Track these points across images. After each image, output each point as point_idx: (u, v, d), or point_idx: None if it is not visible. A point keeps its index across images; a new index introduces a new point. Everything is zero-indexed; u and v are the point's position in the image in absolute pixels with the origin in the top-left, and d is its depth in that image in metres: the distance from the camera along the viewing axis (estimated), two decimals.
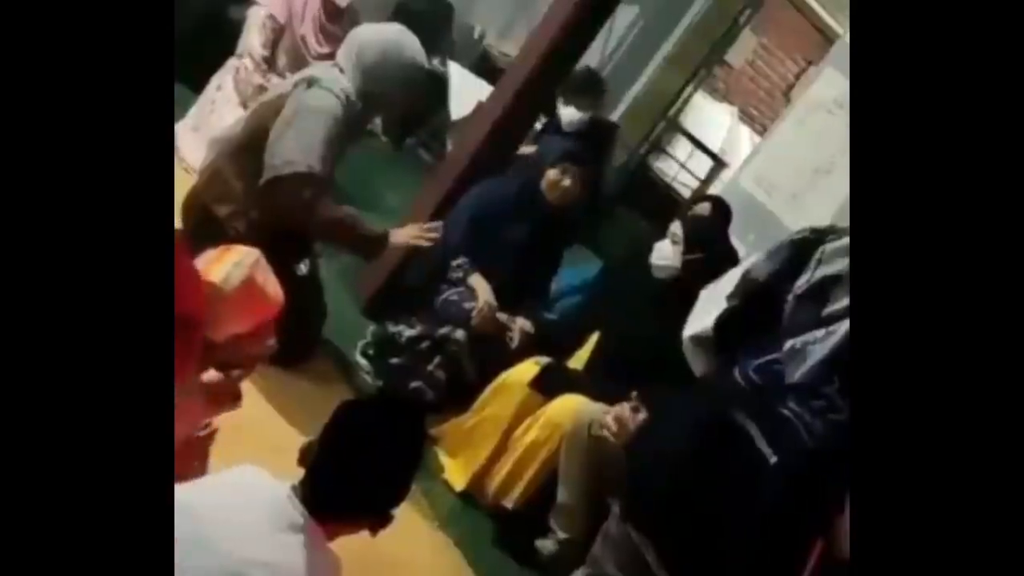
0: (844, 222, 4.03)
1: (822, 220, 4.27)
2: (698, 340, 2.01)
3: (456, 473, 3.33)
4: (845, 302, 1.76)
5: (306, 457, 1.70)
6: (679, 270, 3.19)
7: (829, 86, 4.50)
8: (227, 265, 1.85)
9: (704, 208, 4.04)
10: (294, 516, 1.65)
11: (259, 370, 2.64)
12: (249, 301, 1.87)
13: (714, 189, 6.98)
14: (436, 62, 5.11)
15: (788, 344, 1.78)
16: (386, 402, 1.89)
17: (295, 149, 2.92)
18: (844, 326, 1.72)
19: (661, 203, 6.23)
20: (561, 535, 3.10)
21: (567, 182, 3.61)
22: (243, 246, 1.94)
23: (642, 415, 2.73)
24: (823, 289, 1.80)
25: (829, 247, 1.84)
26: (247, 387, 2.42)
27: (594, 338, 3.43)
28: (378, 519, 1.71)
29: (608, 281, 3.79)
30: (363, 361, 3.65)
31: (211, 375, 1.95)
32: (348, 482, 1.68)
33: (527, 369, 3.34)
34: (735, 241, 3.46)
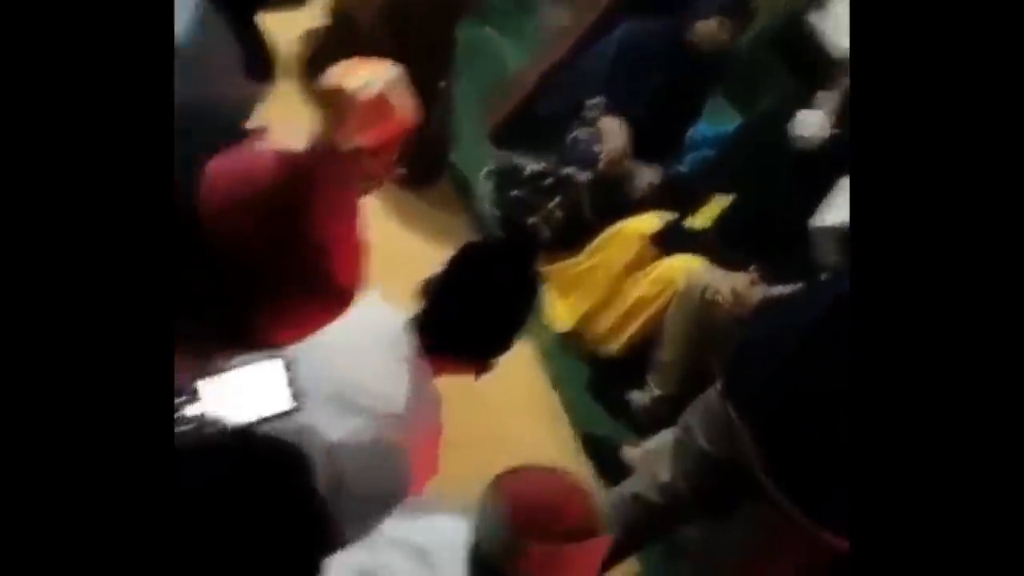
0: None
1: None
2: (831, 231, 1.93)
3: (561, 314, 3.36)
4: None
5: (425, 292, 1.72)
6: (825, 143, 3.03)
7: None
8: (366, 75, 1.80)
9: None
10: (405, 349, 1.68)
11: (385, 189, 2.66)
12: (379, 117, 1.83)
13: None
14: None
15: None
16: (509, 248, 1.87)
17: None
18: None
19: (812, 62, 5.89)
20: (656, 391, 3.12)
21: (724, 35, 3.44)
22: (388, 61, 1.89)
23: (759, 290, 2.69)
24: None
25: None
26: (373, 203, 2.45)
27: (721, 200, 3.34)
28: (483, 363, 1.74)
29: (744, 140, 3.65)
30: (485, 188, 3.64)
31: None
32: (462, 323, 1.70)
33: (647, 221, 3.29)
34: None
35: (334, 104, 1.71)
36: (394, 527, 1.49)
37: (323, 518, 1.03)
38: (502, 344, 1.74)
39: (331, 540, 1.41)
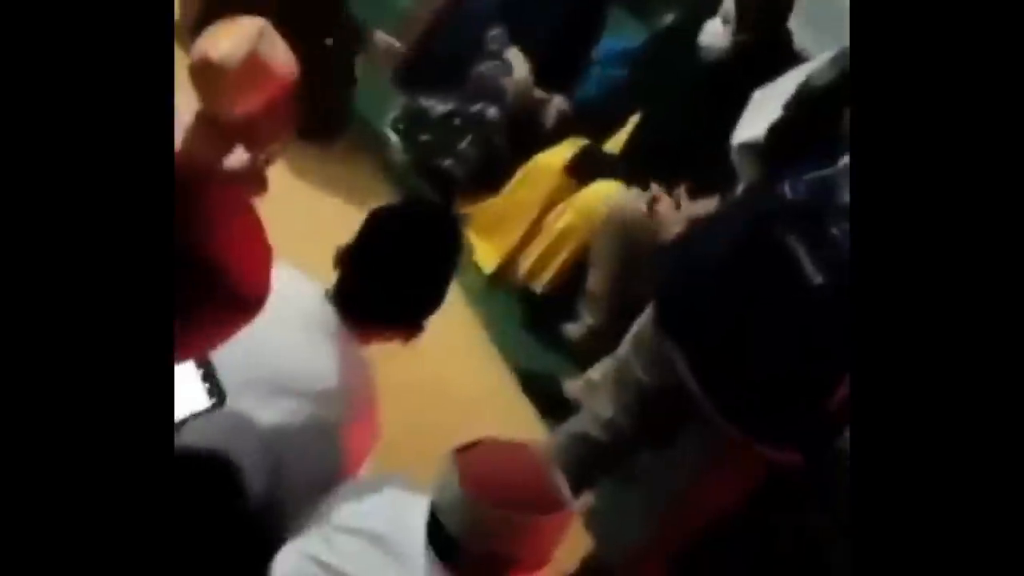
0: None
1: None
2: (749, 147, 1.91)
3: (486, 255, 3.32)
4: None
5: (341, 262, 1.66)
6: (728, 52, 3.00)
7: None
8: (228, 41, 1.70)
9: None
10: (328, 321, 1.63)
11: (290, 147, 2.57)
12: (255, 77, 1.73)
13: None
14: None
15: (844, 160, 1.68)
16: (422, 206, 1.82)
17: None
18: None
19: None
20: (589, 321, 3.11)
21: None
22: (248, 17, 1.79)
23: (684, 209, 2.69)
24: None
25: None
26: (279, 166, 2.36)
27: (634, 120, 3.31)
28: (410, 328, 1.70)
29: (653, 56, 3.60)
30: (393, 135, 3.56)
31: (236, 158, 1.86)
32: (383, 290, 1.65)
33: (562, 151, 3.25)
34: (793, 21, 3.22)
35: (206, 78, 1.63)
36: (347, 513, 1.45)
37: (258, 526, 0.99)
38: (429, 305, 1.70)
39: (272, 542, 1.38)
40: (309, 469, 1.55)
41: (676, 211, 2.75)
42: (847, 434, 2.40)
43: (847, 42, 1.79)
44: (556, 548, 1.35)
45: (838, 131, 1.73)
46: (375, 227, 1.67)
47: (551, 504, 1.31)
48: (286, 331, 1.58)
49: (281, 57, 1.77)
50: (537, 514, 1.29)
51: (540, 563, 1.34)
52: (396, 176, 3.42)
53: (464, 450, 1.34)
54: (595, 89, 3.71)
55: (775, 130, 1.84)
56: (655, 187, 2.88)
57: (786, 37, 3.04)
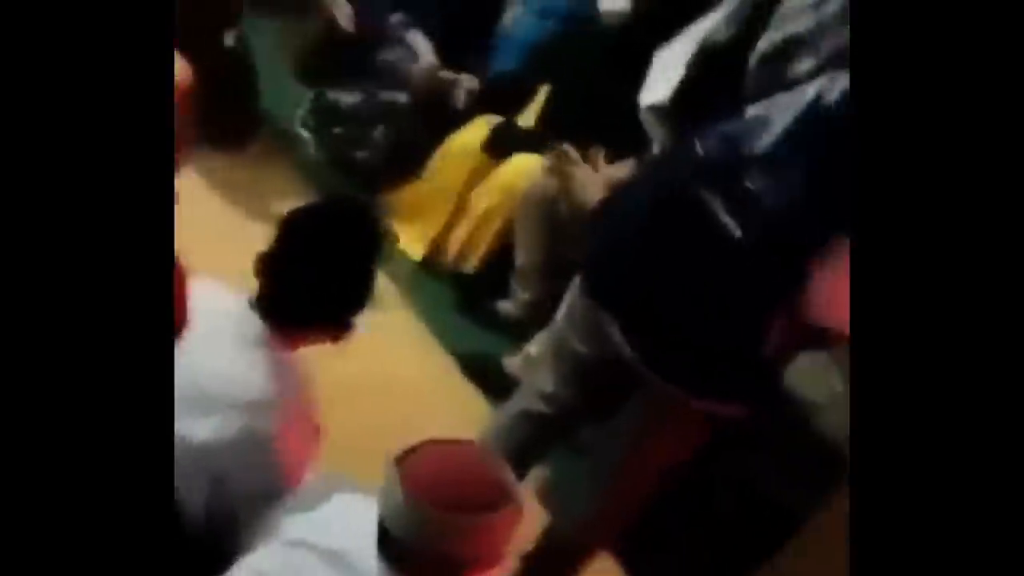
0: None
1: None
2: (657, 109, 1.91)
3: (412, 242, 3.30)
4: (809, 64, 1.66)
5: (261, 269, 1.63)
6: (629, 15, 3.01)
7: None
8: None
9: None
10: (254, 330, 1.61)
11: (201, 157, 2.52)
12: None
13: None
14: None
15: (751, 112, 1.69)
16: (337, 204, 1.80)
17: None
18: (808, 91, 1.64)
19: None
20: (523, 296, 3.11)
21: None
22: None
23: (603, 174, 2.70)
24: (787, 51, 1.69)
25: (790, 3, 1.71)
26: (191, 177, 2.32)
27: (544, 92, 3.31)
28: (339, 327, 1.68)
29: (554, 26, 3.59)
30: (304, 133, 3.51)
31: None
32: (305, 292, 1.62)
33: (477, 130, 3.24)
34: None
35: None
36: (297, 526, 1.43)
37: (203, 547, 0.98)
38: (356, 302, 1.68)
39: (222, 560, 1.36)
40: (250, 482, 1.53)
41: (595, 177, 2.75)
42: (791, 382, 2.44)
43: None
44: (509, 544, 1.33)
45: (742, 84, 1.74)
46: (292, 229, 1.64)
47: (499, 501, 1.29)
48: (212, 346, 1.56)
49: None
50: (485, 513, 1.27)
51: (495, 561, 1.31)
52: (312, 174, 3.37)
53: (406, 454, 1.32)
54: (505, 65, 3.70)
55: (680, 89, 1.84)
56: (566, 148, 2.87)
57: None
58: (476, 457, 1.37)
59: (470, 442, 1.43)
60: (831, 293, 1.68)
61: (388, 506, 1.30)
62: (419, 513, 1.26)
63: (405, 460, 1.30)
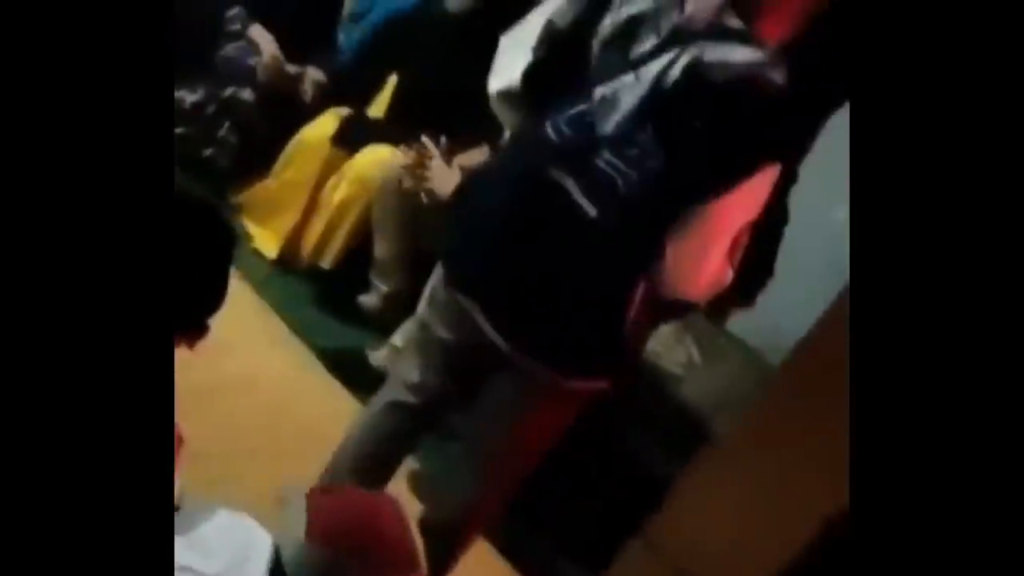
0: None
1: None
2: (505, 95, 1.92)
3: (266, 240, 3.24)
4: (651, 43, 1.70)
5: None
6: (475, 2, 3.02)
7: None
8: None
9: None
10: None
11: None
12: None
13: None
14: None
15: (598, 93, 1.72)
16: (185, 206, 1.73)
17: None
18: (652, 70, 1.67)
19: None
20: (383, 288, 3.10)
21: None
22: None
23: (454, 165, 2.70)
24: (629, 31, 1.72)
25: None
26: None
27: (392, 81, 3.29)
28: (193, 332, 1.62)
29: (397, 16, 3.57)
30: None
31: None
32: None
33: (326, 123, 3.20)
34: None
35: None
36: (181, 552, 1.36)
37: None
38: (210, 304, 1.63)
39: None
40: None
41: (447, 165, 2.75)
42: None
43: None
44: None
45: (588, 66, 1.77)
46: None
47: (403, 564, 1.26)
48: None
49: None
50: (387, 572, 1.25)
51: None
52: None
53: (320, 493, 1.27)
54: (349, 57, 3.65)
55: (528, 75, 1.85)
56: (424, 141, 2.86)
57: None
58: (390, 515, 1.33)
59: (390, 498, 1.39)
60: (685, 265, 1.73)
61: (287, 538, 1.25)
62: (318, 554, 1.22)
63: (317, 498, 1.26)
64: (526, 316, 1.85)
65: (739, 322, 2.80)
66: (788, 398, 2.11)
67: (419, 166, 2.80)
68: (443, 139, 2.85)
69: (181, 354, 1.71)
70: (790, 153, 1.74)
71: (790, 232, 1.89)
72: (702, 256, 1.71)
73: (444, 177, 2.70)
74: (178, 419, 1.67)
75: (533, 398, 1.96)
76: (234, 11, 3.32)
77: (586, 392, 1.93)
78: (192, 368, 1.83)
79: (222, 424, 2.45)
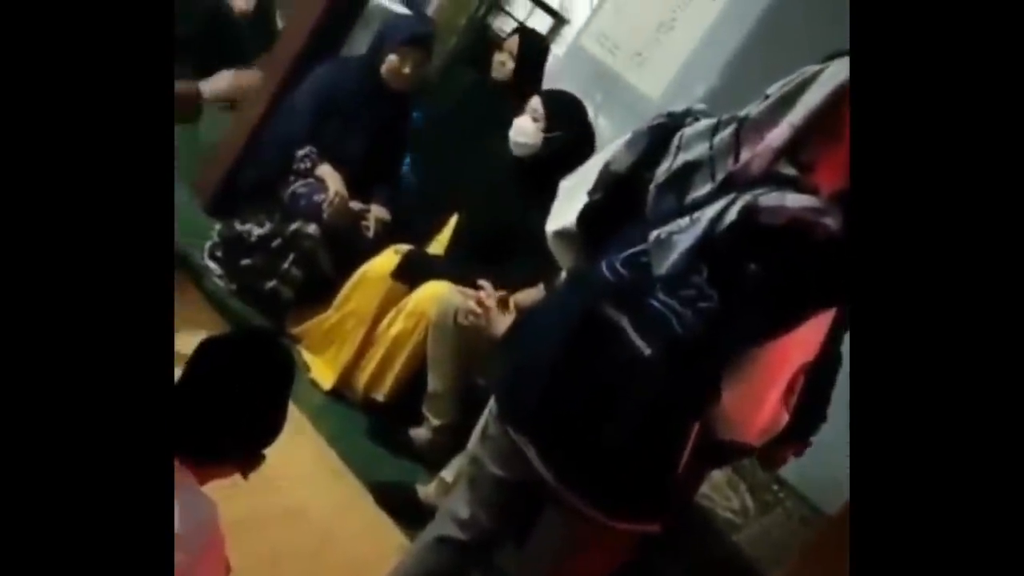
0: (687, 81, 4.01)
1: (666, 79, 4.27)
2: (563, 235, 1.97)
3: (323, 371, 3.28)
4: (706, 188, 1.74)
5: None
6: (539, 148, 3.12)
7: None
8: None
9: (529, 45, 3.92)
10: None
11: None
12: None
13: (556, 48, 6.86)
14: None
15: (653, 235, 1.75)
16: (250, 336, 1.79)
17: None
18: (707, 213, 1.70)
19: None
20: (435, 422, 3.11)
21: (408, 68, 3.45)
22: None
23: (509, 304, 2.74)
24: (684, 176, 1.77)
25: (687, 132, 1.79)
26: None
27: (454, 220, 3.38)
28: (250, 461, 1.65)
29: (462, 156, 3.70)
30: (212, 264, 3.49)
31: None
32: (215, 425, 1.60)
33: (387, 259, 3.27)
34: (583, 98, 3.40)
35: None
36: None
37: None
38: (267, 434, 1.66)
39: None
40: None
41: (504, 304, 2.80)
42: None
43: (638, 127, 1.90)
44: None
45: (643, 208, 1.81)
46: (203, 360, 1.63)
47: None
48: None
49: None
50: None
51: None
52: (219, 305, 3.35)
53: None
54: (412, 197, 3.78)
55: (584, 216, 1.90)
56: (483, 285, 2.92)
57: (589, 130, 3.21)
58: None
59: None
60: (740, 408, 1.72)
61: None
62: None
63: None
64: (578, 454, 1.85)
65: (793, 470, 2.75)
66: (843, 549, 2.05)
67: (477, 306, 2.85)
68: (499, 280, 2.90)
69: (233, 483, 1.74)
70: (844, 298, 1.74)
71: (842, 378, 1.88)
72: (757, 399, 1.70)
73: (500, 315, 2.73)
74: (227, 548, 1.69)
75: (582, 538, 1.93)
76: (305, 150, 3.46)
77: (636, 534, 1.90)
78: (243, 497, 1.86)
79: (270, 555, 2.44)
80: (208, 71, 4.13)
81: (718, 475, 2.77)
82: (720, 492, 2.85)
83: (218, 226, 3.58)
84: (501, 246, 3.12)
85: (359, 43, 3.91)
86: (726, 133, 1.73)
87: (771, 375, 1.69)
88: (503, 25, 7.27)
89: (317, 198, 3.39)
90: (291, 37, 3.82)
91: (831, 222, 1.65)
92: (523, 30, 4.15)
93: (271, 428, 1.66)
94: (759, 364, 1.69)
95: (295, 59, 3.66)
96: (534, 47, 3.94)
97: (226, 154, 3.75)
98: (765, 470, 2.78)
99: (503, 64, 3.81)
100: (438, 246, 3.38)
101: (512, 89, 3.64)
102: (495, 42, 5.82)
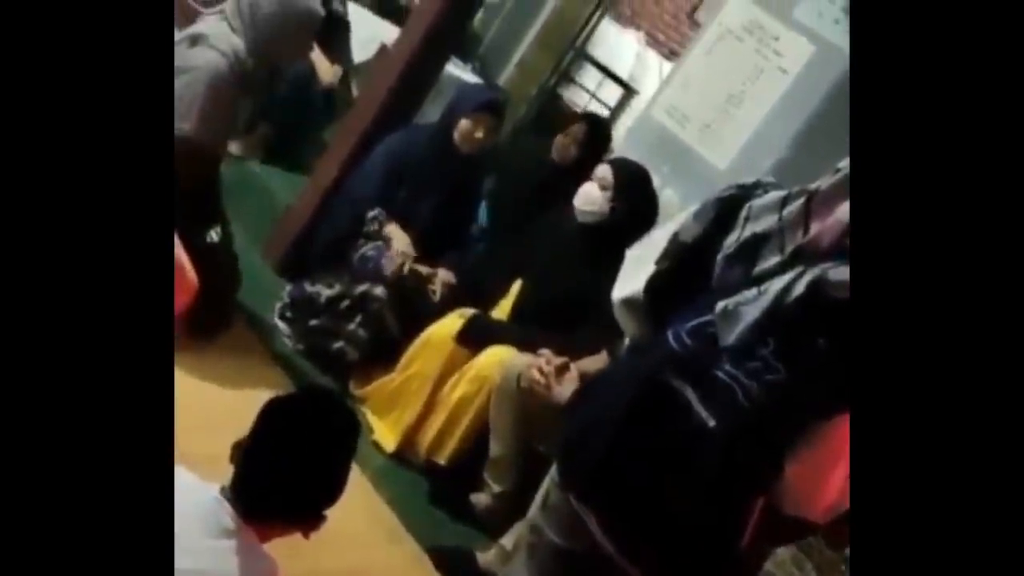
0: (755, 153, 4.03)
1: (734, 150, 4.28)
2: (629, 303, 1.97)
3: (386, 434, 3.29)
4: (774, 260, 1.74)
5: (237, 457, 1.63)
6: (606, 216, 3.15)
7: (736, 12, 4.45)
8: None
9: (594, 135, 3.97)
10: (224, 521, 1.59)
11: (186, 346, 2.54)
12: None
13: (625, 118, 6.93)
14: (336, 3, 4.89)
15: (720, 305, 1.75)
16: (315, 397, 1.81)
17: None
18: (775, 285, 1.70)
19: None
20: (496, 488, 3.09)
21: (480, 134, 3.52)
22: None
23: (572, 370, 2.74)
24: (753, 247, 1.77)
25: (756, 204, 1.80)
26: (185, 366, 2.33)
27: (518, 286, 3.39)
28: (312, 521, 1.66)
29: (528, 223, 3.73)
30: (282, 324, 3.55)
31: None
32: (278, 484, 1.62)
33: (452, 322, 3.29)
34: (650, 169, 3.42)
35: None
36: None
37: None
38: (329, 495, 1.67)
39: None
40: None
41: (565, 370, 2.79)
42: None
43: (707, 197, 1.91)
44: None
45: (710, 279, 1.81)
46: (269, 419, 1.65)
47: None
48: (182, 536, 1.53)
49: (188, 268, 1.81)
50: None
51: None
52: (286, 363, 3.39)
53: None
54: (479, 256, 3.81)
55: (651, 285, 1.91)
56: (545, 352, 2.92)
57: (654, 200, 3.23)
58: None
59: None
60: (805, 484, 1.69)
61: None
62: None
63: None
64: (640, 526, 1.83)
65: None
66: None
67: (538, 374, 2.85)
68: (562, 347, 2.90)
69: (293, 540, 1.75)
70: None
71: None
72: (823, 475, 1.68)
73: (562, 382, 2.73)
74: None
75: None
76: (374, 211, 3.52)
77: None
78: (303, 557, 1.86)
79: None
80: (288, 129, 4.27)
81: (783, 552, 2.70)
82: (784, 570, 2.78)
83: (288, 287, 3.64)
84: (564, 312, 3.12)
85: (431, 113, 3.99)
86: (796, 206, 1.73)
87: (837, 451, 1.67)
88: (573, 96, 7.38)
89: (384, 260, 3.43)
90: (366, 105, 3.91)
91: None
92: (590, 119, 4.22)
93: (333, 489, 1.67)
94: (825, 439, 1.67)
95: (369, 127, 3.74)
96: (599, 135, 4.02)
97: (298, 217, 3.83)
98: (832, 549, 2.71)
99: (567, 148, 3.86)
100: (500, 312, 3.39)
101: (574, 173, 3.67)
102: (563, 115, 5.92)
